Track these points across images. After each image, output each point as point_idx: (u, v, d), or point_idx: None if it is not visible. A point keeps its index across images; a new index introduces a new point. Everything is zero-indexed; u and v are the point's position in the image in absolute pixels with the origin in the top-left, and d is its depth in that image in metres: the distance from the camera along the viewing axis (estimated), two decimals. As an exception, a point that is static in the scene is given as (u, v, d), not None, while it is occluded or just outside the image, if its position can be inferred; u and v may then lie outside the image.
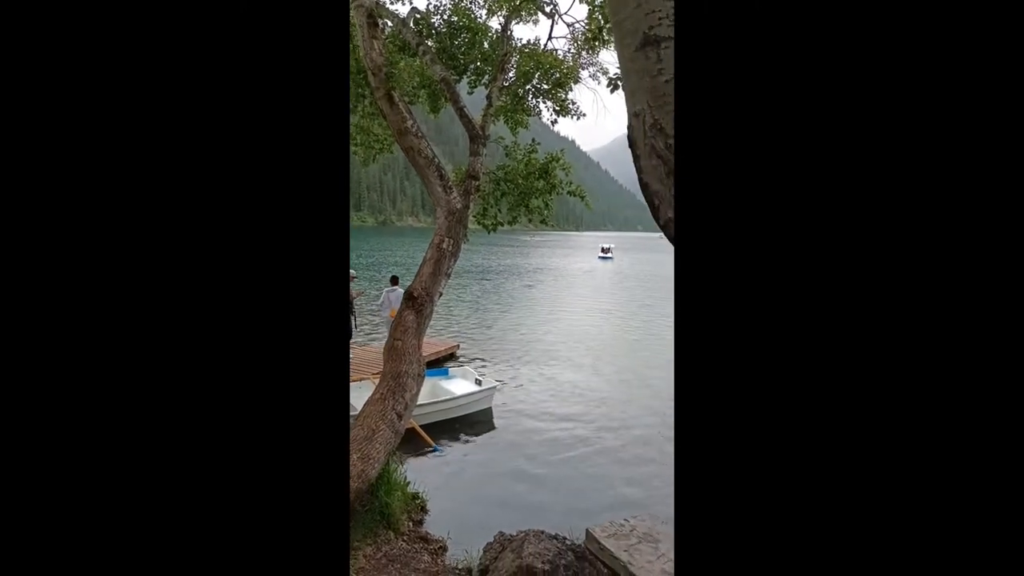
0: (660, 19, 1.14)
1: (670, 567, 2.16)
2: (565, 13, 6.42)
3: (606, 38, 5.75)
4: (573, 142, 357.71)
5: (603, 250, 46.35)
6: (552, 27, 6.40)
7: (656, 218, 1.93)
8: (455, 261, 5.60)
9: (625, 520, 2.91)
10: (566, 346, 11.30)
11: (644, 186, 1.23)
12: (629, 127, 1.25)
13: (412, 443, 5.66)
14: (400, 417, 4.26)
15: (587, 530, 3.21)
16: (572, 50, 6.43)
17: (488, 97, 6.07)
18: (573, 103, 6.23)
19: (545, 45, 6.30)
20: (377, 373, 5.80)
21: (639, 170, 1.24)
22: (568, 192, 5.96)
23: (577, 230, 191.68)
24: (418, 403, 4.98)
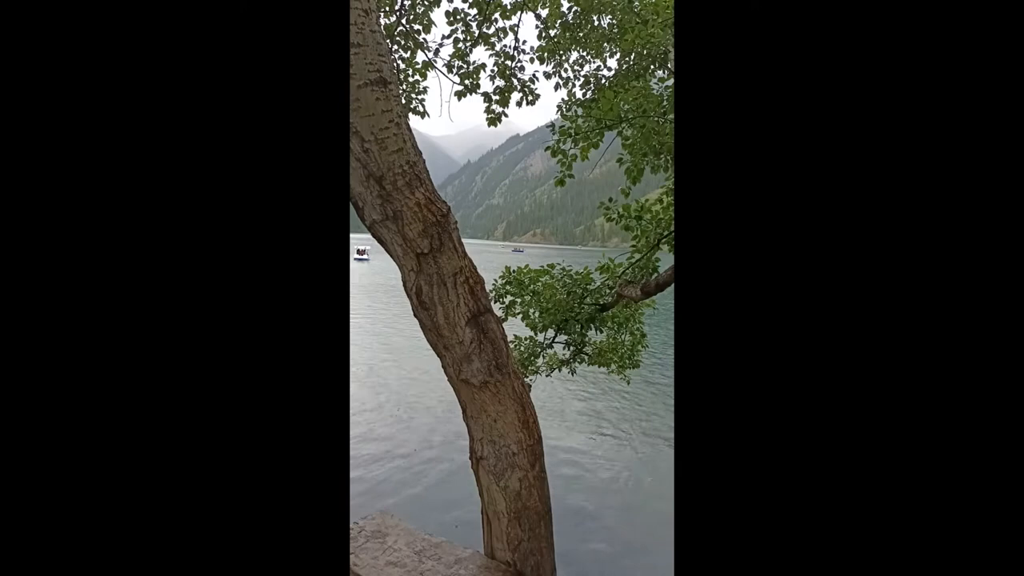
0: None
1: (396, 557, 2.21)
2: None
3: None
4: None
5: (358, 251, 44.46)
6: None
7: (361, 219, 1.94)
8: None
9: (355, 523, 2.85)
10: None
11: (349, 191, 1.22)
12: None
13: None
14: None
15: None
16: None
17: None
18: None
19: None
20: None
21: None
22: None
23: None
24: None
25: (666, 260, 3.87)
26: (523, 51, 4.57)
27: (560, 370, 4.73)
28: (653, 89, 3.66)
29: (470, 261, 2.04)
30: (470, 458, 2.29)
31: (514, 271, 4.42)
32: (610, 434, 7.62)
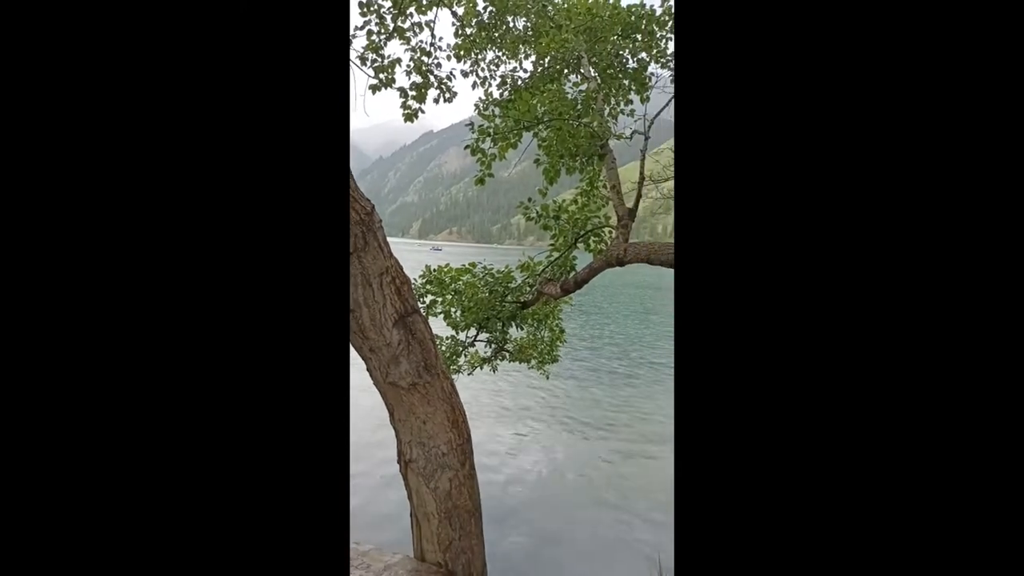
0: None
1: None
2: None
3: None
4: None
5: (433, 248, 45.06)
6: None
7: None
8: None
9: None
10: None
11: None
12: None
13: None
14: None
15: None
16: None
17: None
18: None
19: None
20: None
21: None
22: None
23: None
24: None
25: (582, 259, 4.03)
26: (440, 48, 4.52)
27: (481, 368, 4.76)
28: (568, 93, 3.78)
29: (396, 261, 1.99)
30: (398, 462, 2.24)
31: (435, 270, 4.37)
32: (531, 429, 7.78)
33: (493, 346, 4.68)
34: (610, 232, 3.71)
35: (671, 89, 4.05)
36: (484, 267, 4.51)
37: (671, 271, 1.89)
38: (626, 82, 4.11)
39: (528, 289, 4.37)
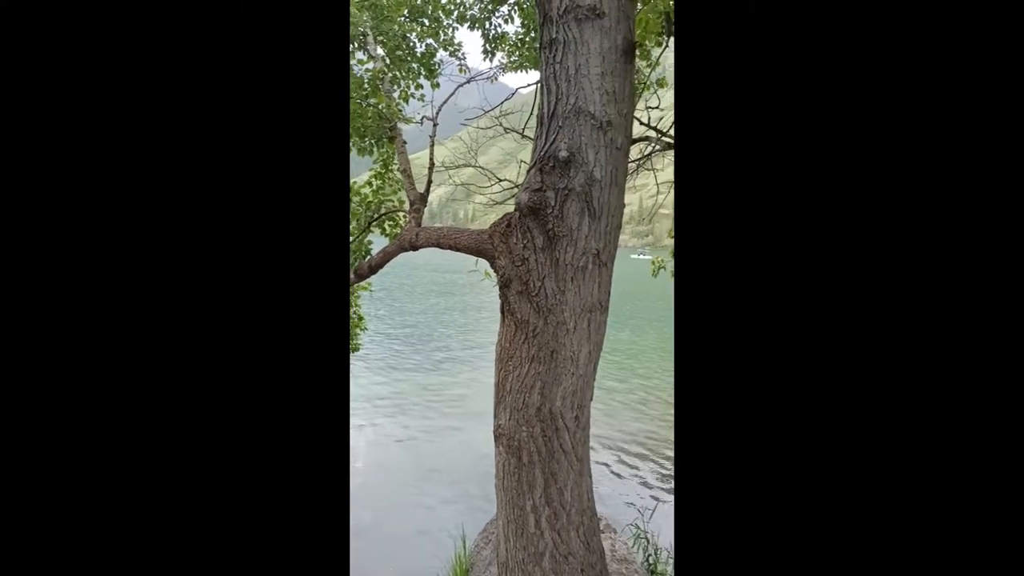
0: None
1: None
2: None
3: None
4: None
5: None
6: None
7: None
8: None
9: None
10: None
11: None
12: None
13: None
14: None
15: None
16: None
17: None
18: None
19: None
20: None
21: None
22: None
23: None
24: None
25: (378, 242, 3.95)
26: None
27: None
28: (355, 71, 3.62)
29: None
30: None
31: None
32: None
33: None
34: (404, 216, 3.71)
35: (459, 78, 4.18)
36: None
37: (467, 256, 1.98)
38: (415, 66, 4.11)
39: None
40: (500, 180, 3.97)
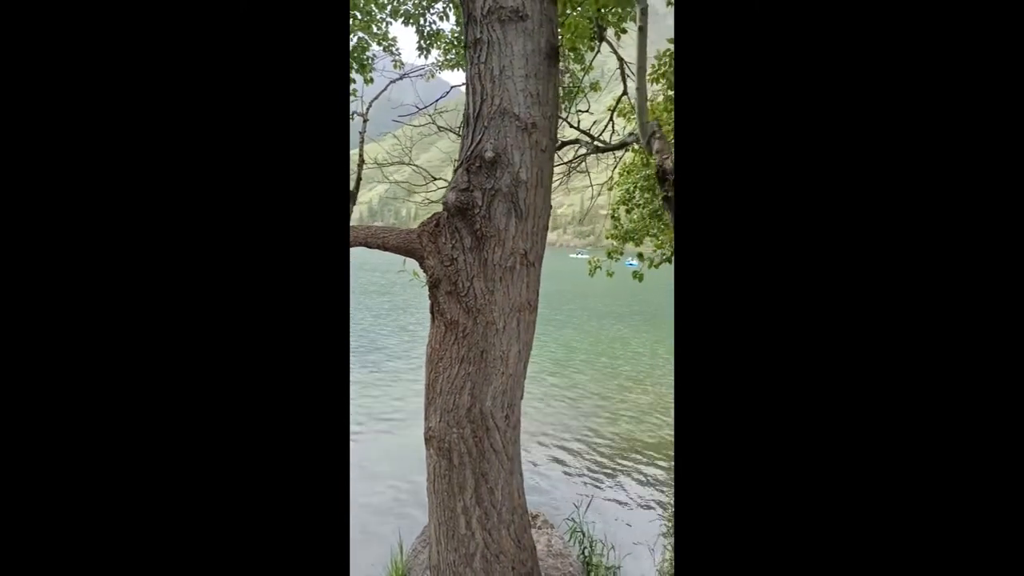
0: None
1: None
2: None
3: None
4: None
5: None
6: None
7: None
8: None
9: None
10: None
11: None
12: None
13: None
14: None
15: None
16: None
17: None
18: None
19: None
20: None
21: None
22: None
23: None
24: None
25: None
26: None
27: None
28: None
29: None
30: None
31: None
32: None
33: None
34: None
35: (393, 73, 4.09)
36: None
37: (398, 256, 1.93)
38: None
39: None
40: (435, 179, 3.93)
